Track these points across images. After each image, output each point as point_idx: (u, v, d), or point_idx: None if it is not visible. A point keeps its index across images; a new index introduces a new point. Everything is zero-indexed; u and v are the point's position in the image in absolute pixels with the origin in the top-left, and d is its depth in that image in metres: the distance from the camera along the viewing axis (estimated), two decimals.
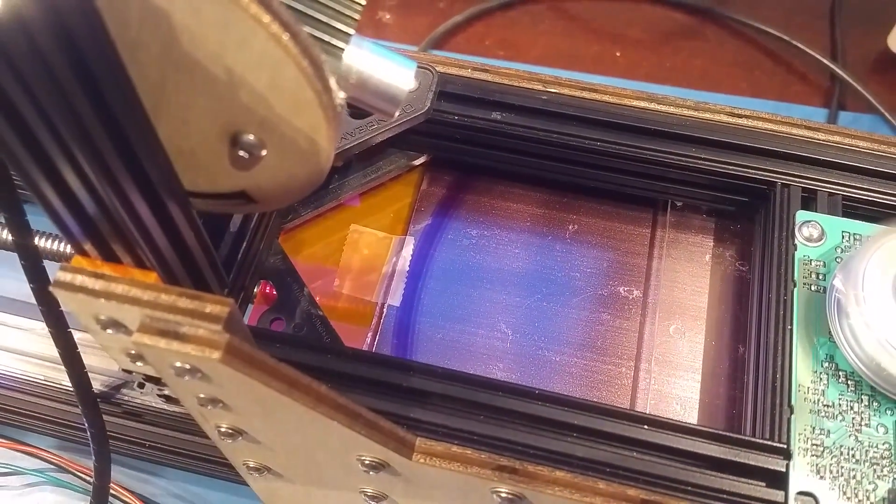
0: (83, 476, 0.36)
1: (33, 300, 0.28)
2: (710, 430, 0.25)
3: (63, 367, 0.31)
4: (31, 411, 0.35)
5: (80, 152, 0.17)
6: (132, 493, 0.36)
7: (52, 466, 0.36)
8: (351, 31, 0.19)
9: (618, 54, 0.51)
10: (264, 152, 0.19)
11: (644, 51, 0.51)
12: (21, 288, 0.36)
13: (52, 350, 0.32)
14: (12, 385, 0.33)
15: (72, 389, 0.31)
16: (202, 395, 0.23)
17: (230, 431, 0.25)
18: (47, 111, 0.16)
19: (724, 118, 0.31)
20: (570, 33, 0.52)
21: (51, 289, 0.21)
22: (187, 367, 0.21)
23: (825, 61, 0.49)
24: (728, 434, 0.25)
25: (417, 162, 0.35)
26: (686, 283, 0.32)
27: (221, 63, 0.17)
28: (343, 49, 0.19)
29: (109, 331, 0.22)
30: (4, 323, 0.32)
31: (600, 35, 0.52)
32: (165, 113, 0.19)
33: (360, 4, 0.19)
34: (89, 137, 0.17)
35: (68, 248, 0.30)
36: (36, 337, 0.32)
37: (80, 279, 0.21)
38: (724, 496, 0.24)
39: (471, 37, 0.51)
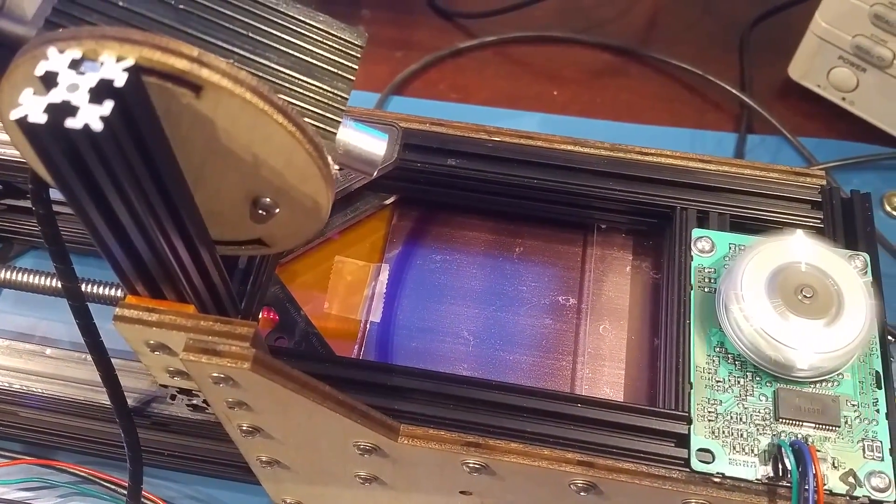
0: (108, 485, 0.39)
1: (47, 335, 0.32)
2: (629, 404, 0.30)
3: (94, 388, 0.35)
4: (61, 431, 0.39)
5: (142, 213, 0.22)
6: (154, 495, 0.39)
7: (80, 479, 0.40)
8: (340, 119, 0.24)
9: (555, 93, 0.56)
10: (278, 210, 0.24)
11: (578, 88, 0.56)
12: (36, 324, 0.42)
13: (82, 374, 0.37)
14: (48, 406, 0.37)
15: (105, 406, 0.35)
16: (230, 399, 0.28)
17: (250, 429, 0.30)
18: (121, 184, 0.20)
19: (634, 156, 0.35)
20: (514, 76, 0.56)
21: (112, 322, 0.26)
22: (222, 376, 0.26)
23: (735, 91, 0.54)
24: (643, 407, 0.30)
25: (388, 201, 0.39)
26: (612, 291, 0.36)
27: (249, 151, 0.22)
28: (335, 133, 0.24)
29: (157, 353, 0.27)
30: (44, 354, 0.37)
31: (539, 76, 0.57)
32: (203, 185, 0.23)
33: (345, 99, 0.25)
34: (148, 203, 0.21)
35: (102, 290, 0.35)
36: (74, 364, 0.36)
37: (136, 313, 0.26)
38: (642, 454, 0.29)
39: (426, 82, 0.56)
